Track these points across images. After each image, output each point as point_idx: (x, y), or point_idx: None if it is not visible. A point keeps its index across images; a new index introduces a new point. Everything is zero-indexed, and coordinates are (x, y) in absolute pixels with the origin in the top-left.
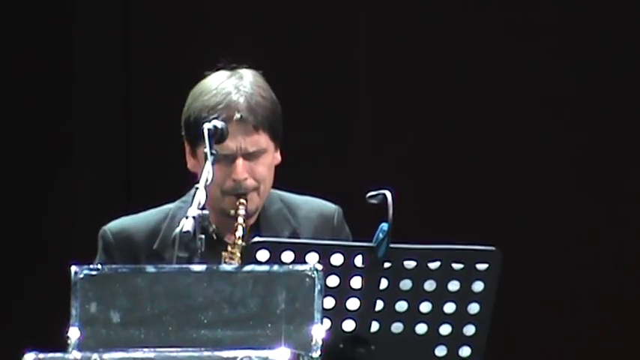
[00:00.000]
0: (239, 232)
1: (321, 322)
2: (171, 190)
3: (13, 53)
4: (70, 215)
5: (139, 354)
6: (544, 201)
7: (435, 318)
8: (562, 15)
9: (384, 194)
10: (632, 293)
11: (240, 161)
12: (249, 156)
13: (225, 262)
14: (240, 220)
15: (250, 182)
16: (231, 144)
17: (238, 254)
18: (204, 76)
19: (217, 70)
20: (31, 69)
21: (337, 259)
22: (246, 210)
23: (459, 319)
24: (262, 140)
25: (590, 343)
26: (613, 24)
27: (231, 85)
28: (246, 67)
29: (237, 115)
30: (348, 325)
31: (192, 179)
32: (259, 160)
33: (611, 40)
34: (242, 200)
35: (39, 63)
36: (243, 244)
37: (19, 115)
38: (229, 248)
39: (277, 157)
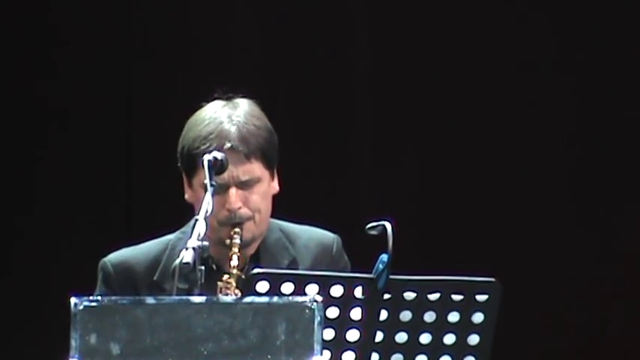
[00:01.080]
0: (234, 262)
1: (321, 354)
2: (171, 221)
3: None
4: (69, 245)
5: None
6: (543, 231)
7: (435, 349)
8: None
9: (384, 225)
10: (632, 321)
11: (233, 190)
12: (243, 185)
13: (220, 292)
14: (235, 249)
15: (244, 211)
16: (224, 174)
17: (234, 283)
18: (200, 107)
19: (214, 99)
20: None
21: (337, 291)
22: (241, 239)
23: (459, 350)
24: (255, 169)
25: None
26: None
27: (225, 115)
28: (242, 96)
29: (228, 145)
30: (348, 357)
31: (191, 210)
32: (253, 188)
33: (611, 61)
34: (237, 230)
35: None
36: (239, 273)
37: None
38: (224, 278)
39: (274, 186)
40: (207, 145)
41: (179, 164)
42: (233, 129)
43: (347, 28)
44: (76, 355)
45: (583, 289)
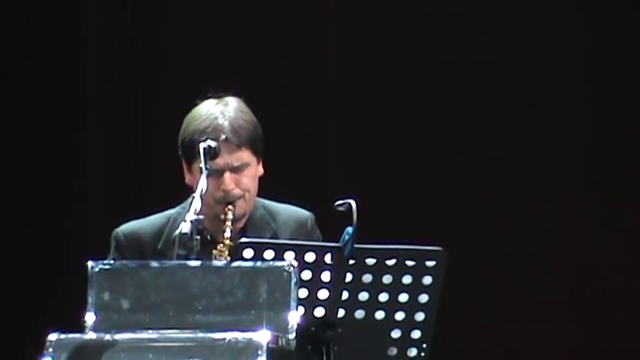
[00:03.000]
0: (227, 233)
1: (297, 309)
2: (173, 198)
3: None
4: (85, 218)
5: (144, 335)
6: (482, 209)
7: (391, 306)
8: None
9: (350, 203)
10: (558, 286)
11: (227, 174)
12: (235, 169)
13: (215, 259)
14: (228, 223)
15: (237, 191)
16: (219, 160)
17: (226, 252)
18: (196, 104)
19: (207, 98)
20: (49, 97)
21: (310, 257)
22: (233, 215)
23: (411, 307)
24: (245, 156)
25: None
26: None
27: (218, 111)
28: (231, 95)
29: (223, 137)
30: (319, 312)
31: (189, 190)
32: (243, 172)
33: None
34: (230, 207)
35: (55, 92)
36: (231, 243)
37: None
38: (219, 247)
39: (260, 170)
40: (205, 137)
41: (180, 153)
42: (226, 123)
43: (321, 30)
44: (92, 310)
45: (513, 259)
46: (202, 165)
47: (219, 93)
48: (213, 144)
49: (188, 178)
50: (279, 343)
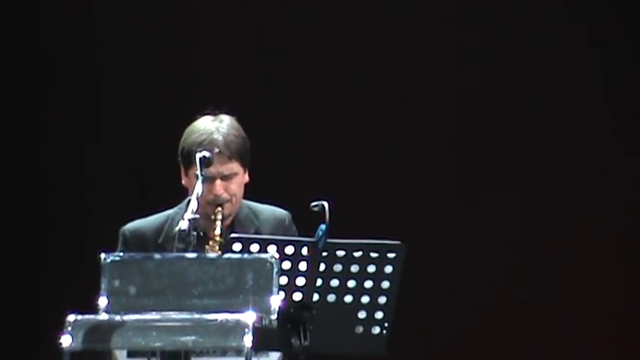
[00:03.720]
0: (217, 231)
1: (278, 294)
2: (172, 199)
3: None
4: (99, 216)
5: (149, 316)
6: (439, 207)
7: (358, 291)
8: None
9: (323, 204)
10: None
11: (218, 181)
12: (225, 178)
13: (208, 252)
14: (218, 222)
15: (225, 196)
16: (212, 169)
17: (217, 246)
18: (195, 119)
19: (204, 114)
20: (66, 102)
21: (289, 250)
22: (222, 215)
23: (374, 292)
24: (234, 167)
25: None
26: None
27: (214, 127)
28: (225, 113)
29: (217, 149)
30: (297, 296)
31: (185, 192)
32: (232, 180)
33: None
34: (219, 208)
35: (71, 96)
36: (221, 240)
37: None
38: (211, 242)
39: (246, 178)
40: (202, 149)
41: (179, 159)
42: (220, 138)
43: (295, 32)
44: (105, 295)
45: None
46: (198, 172)
47: (215, 111)
48: (207, 155)
49: (184, 181)
50: (263, 322)
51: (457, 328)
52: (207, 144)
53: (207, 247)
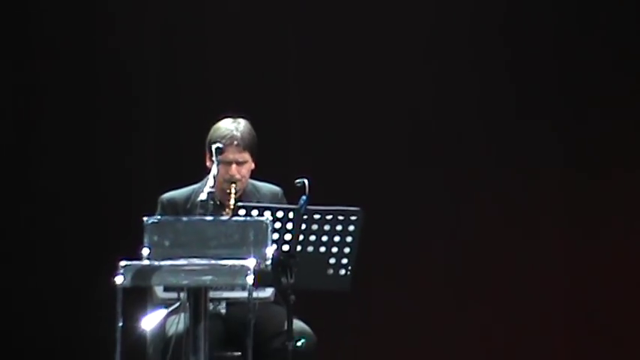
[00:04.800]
0: (231, 202)
1: (271, 246)
2: (198, 176)
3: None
4: (144, 188)
5: (178, 262)
6: (400, 176)
7: (329, 243)
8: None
9: (304, 181)
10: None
11: (234, 166)
12: (239, 163)
13: (223, 216)
14: (232, 195)
15: (238, 177)
16: (230, 156)
17: (230, 212)
18: (219, 119)
19: (225, 117)
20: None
21: (280, 214)
22: (235, 190)
23: (341, 244)
24: (246, 156)
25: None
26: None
27: (233, 126)
28: (240, 116)
29: (235, 142)
30: (285, 247)
31: (205, 172)
32: (244, 166)
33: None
34: (233, 185)
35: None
36: (232, 207)
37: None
38: (226, 209)
39: (252, 165)
40: (223, 141)
41: (206, 148)
42: (238, 134)
43: (280, 35)
44: (147, 246)
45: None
46: (214, 158)
47: (233, 115)
48: (220, 145)
49: (208, 163)
50: (261, 266)
51: (409, 269)
52: (229, 138)
53: (224, 213)
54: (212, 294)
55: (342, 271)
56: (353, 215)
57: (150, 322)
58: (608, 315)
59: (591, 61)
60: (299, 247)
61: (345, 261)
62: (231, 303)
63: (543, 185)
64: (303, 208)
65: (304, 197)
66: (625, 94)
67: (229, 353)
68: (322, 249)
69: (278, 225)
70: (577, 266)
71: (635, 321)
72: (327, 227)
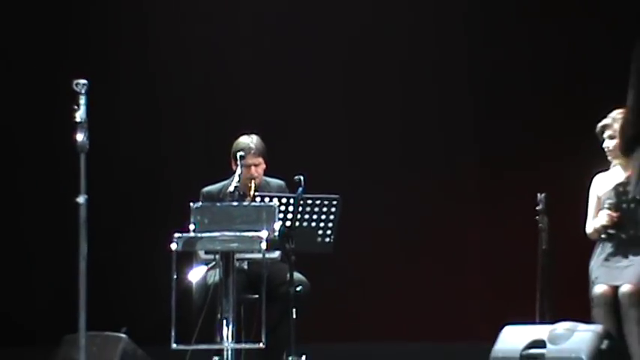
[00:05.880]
0: (251, 192)
1: (278, 222)
2: (224, 175)
3: None
4: (188, 185)
5: (214, 234)
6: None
7: (318, 221)
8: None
9: (300, 178)
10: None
11: (252, 167)
12: (255, 166)
13: (244, 202)
14: (252, 187)
15: (255, 175)
16: (249, 161)
17: (250, 199)
18: (239, 136)
19: (242, 134)
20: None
21: (284, 200)
22: (254, 184)
23: (326, 221)
24: (260, 160)
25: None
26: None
27: (249, 140)
28: (253, 133)
29: (252, 151)
30: (287, 224)
31: (232, 172)
32: (258, 167)
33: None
34: (252, 181)
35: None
36: (251, 196)
37: None
38: (247, 198)
39: (264, 166)
40: (244, 151)
41: (231, 156)
42: (252, 146)
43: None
44: (193, 222)
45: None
46: (239, 162)
47: (248, 131)
48: (242, 154)
49: (234, 166)
50: (270, 237)
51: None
52: (247, 149)
53: (246, 200)
54: (237, 256)
55: (327, 240)
56: (334, 201)
57: (195, 275)
58: (507, 268)
59: (500, 65)
60: (297, 223)
61: (328, 232)
62: (250, 262)
63: (461, 176)
64: (299, 196)
65: (300, 189)
66: (533, 99)
67: (250, 296)
68: (313, 224)
69: (282, 208)
70: (490, 236)
71: (527, 279)
72: (316, 209)
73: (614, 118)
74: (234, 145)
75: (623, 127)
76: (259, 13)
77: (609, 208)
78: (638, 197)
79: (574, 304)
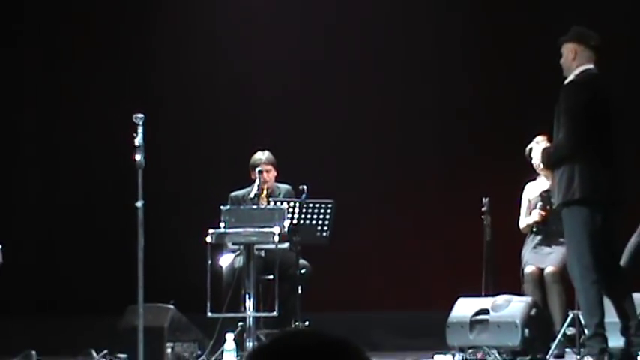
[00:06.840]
0: (264, 197)
1: (287, 221)
2: (247, 183)
3: None
4: (221, 190)
5: (238, 230)
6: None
7: (316, 219)
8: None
9: (304, 187)
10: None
11: (265, 174)
12: (267, 173)
13: (262, 204)
14: (265, 192)
15: (266, 179)
16: (261, 168)
17: (265, 203)
18: (254, 152)
19: (257, 150)
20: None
21: (292, 204)
22: (267, 190)
23: (323, 219)
24: (272, 168)
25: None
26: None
27: (262, 154)
28: (264, 149)
29: (262, 161)
30: (294, 222)
31: (252, 180)
32: (270, 174)
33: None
34: (265, 185)
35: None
36: (266, 199)
37: None
38: (262, 201)
39: (275, 174)
40: (258, 164)
41: (249, 168)
42: (264, 157)
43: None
44: (223, 220)
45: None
46: (257, 174)
47: (260, 148)
48: (260, 169)
49: (252, 176)
50: (282, 231)
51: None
52: (260, 163)
53: (262, 203)
54: (256, 246)
55: (324, 234)
56: (330, 204)
57: (224, 260)
58: (460, 253)
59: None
60: (301, 222)
61: (325, 228)
62: (266, 250)
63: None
64: (303, 201)
65: (304, 195)
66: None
67: (266, 277)
68: (313, 222)
69: (290, 210)
70: (449, 231)
71: (475, 262)
72: (316, 211)
73: (538, 142)
74: (251, 159)
75: (546, 152)
76: (295, 49)
77: (541, 209)
78: (559, 204)
79: (510, 281)
